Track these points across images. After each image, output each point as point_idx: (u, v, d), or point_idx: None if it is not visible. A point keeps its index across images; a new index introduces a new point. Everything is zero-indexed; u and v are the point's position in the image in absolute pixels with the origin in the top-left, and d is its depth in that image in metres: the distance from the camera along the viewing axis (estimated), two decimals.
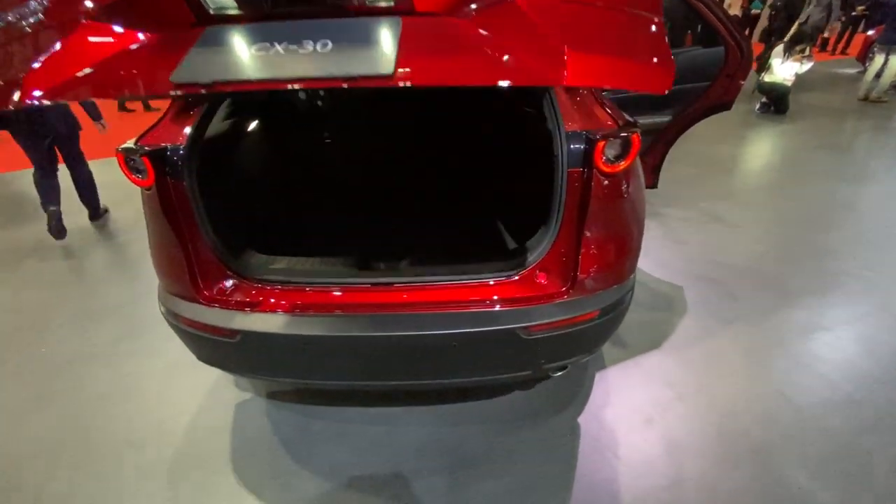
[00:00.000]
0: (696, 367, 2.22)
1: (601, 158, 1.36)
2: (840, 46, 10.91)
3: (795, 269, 2.96)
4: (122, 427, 2.00)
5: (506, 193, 2.34)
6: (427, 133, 2.42)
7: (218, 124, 1.62)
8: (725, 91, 2.64)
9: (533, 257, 1.53)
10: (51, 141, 3.33)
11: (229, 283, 1.60)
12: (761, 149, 5.42)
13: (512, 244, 2.02)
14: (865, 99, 6.85)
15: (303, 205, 2.44)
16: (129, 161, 1.45)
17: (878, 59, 6.59)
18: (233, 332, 1.50)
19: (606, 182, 1.42)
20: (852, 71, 9.00)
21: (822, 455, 1.77)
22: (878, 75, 6.66)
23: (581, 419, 1.97)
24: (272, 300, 1.55)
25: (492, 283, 1.53)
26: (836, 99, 7.26)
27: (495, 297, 1.50)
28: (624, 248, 1.57)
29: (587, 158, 1.39)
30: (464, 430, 1.93)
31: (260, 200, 2.12)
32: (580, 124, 1.43)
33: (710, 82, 2.59)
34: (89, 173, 3.69)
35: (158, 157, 1.46)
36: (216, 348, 1.60)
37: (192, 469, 1.81)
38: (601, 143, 1.34)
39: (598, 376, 2.16)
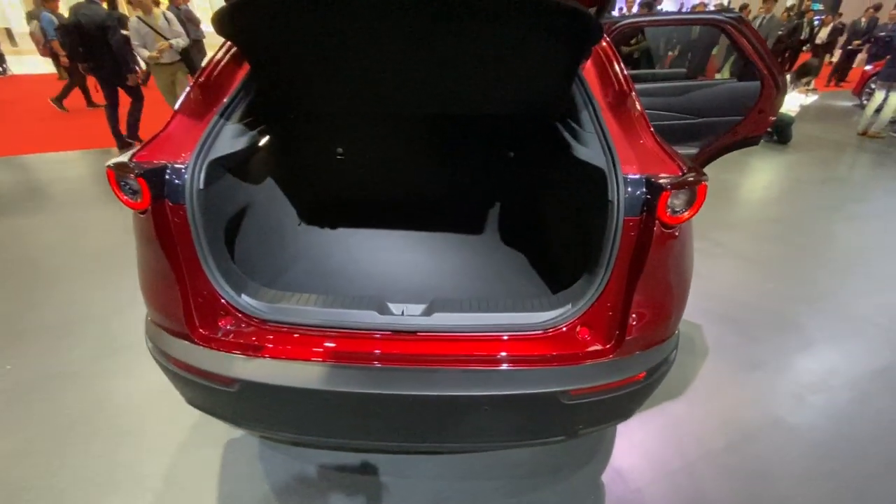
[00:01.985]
0: (721, 416, 2.08)
1: (665, 209, 1.21)
2: (835, 78, 11.11)
3: (812, 310, 2.87)
4: (95, 467, 1.77)
5: (538, 232, 2.17)
6: (452, 155, 2.24)
7: (227, 140, 1.43)
8: (756, 126, 2.54)
9: (576, 310, 1.37)
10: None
11: (229, 322, 1.40)
12: (767, 178, 5.39)
13: (543, 288, 1.85)
14: (864, 133, 6.91)
15: (316, 235, 2.25)
16: (120, 180, 1.25)
17: (879, 95, 6.66)
18: (231, 381, 1.31)
19: (666, 233, 1.27)
20: (848, 104, 9.13)
21: None
22: (878, 110, 6.72)
23: (605, 477, 1.81)
24: (278, 345, 1.36)
25: (529, 336, 1.36)
26: (836, 132, 7.33)
27: (534, 354, 1.34)
28: (675, 302, 1.43)
29: (649, 208, 1.24)
30: (477, 486, 1.76)
31: (269, 229, 1.92)
32: (639, 167, 1.28)
33: (740, 116, 2.49)
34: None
35: (156, 178, 1.27)
36: (210, 396, 1.40)
37: None
38: (666, 193, 1.19)
39: (619, 427, 2.01)
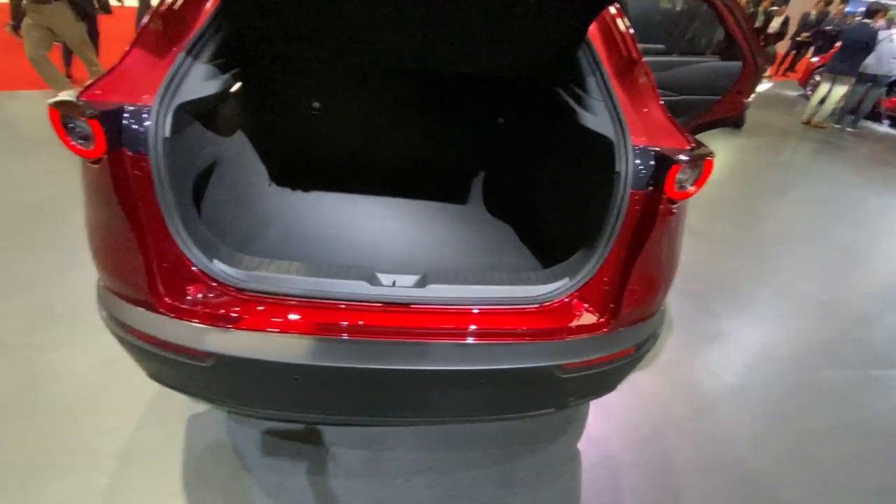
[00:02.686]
0: (686, 388, 2.19)
1: (673, 183, 1.19)
2: (783, 68, 11.68)
3: (761, 287, 3.06)
4: (35, 448, 1.60)
5: (527, 202, 2.10)
6: (437, 118, 2.10)
7: (197, 82, 1.24)
8: (731, 107, 2.59)
9: (573, 283, 1.34)
10: None
11: (200, 290, 1.26)
12: (719, 160, 5.62)
13: (532, 261, 1.81)
14: (808, 123, 7.35)
15: (288, 197, 2.07)
16: (67, 122, 1.06)
17: (823, 87, 7.06)
18: (204, 355, 1.19)
19: (670, 208, 1.25)
20: (794, 93, 9.66)
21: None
22: (822, 101, 7.15)
23: (580, 445, 1.86)
24: (259, 316, 1.24)
25: (526, 310, 1.32)
26: (782, 119, 7.75)
27: (530, 328, 1.31)
28: (667, 276, 1.43)
29: (656, 181, 1.21)
30: (456, 455, 1.75)
31: (238, 187, 1.74)
32: (649, 138, 1.25)
33: (718, 96, 2.52)
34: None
35: (113, 121, 1.08)
36: (178, 371, 1.27)
37: (132, 501, 1.48)
38: (676, 167, 1.17)
39: None
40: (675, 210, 1.27)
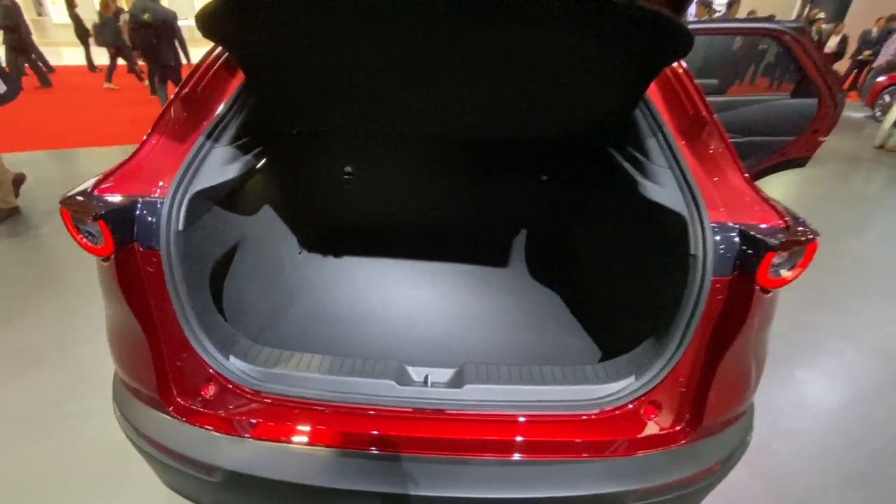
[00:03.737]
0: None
1: (768, 270, 0.96)
2: (850, 88, 10.95)
3: (846, 340, 2.63)
4: None
5: (576, 270, 1.87)
6: (475, 177, 1.93)
7: (216, 167, 1.16)
8: (807, 147, 2.30)
9: (641, 384, 1.12)
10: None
11: (213, 390, 1.14)
12: (783, 194, 5.16)
13: (586, 341, 1.59)
14: (881, 147, 6.72)
15: (319, 266, 1.97)
16: (76, 220, 0.99)
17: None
18: (211, 469, 1.05)
19: (763, 298, 1.02)
20: (860, 115, 8.96)
21: None
22: None
23: None
24: (272, 423, 1.10)
25: (584, 417, 1.11)
26: (850, 145, 7.12)
27: (590, 440, 1.08)
28: (759, 369, 1.18)
29: (745, 266, 0.99)
30: None
31: (264, 262, 1.65)
32: (730, 213, 1.04)
33: (790, 136, 2.25)
34: None
35: (122, 218, 1.00)
36: (188, 481, 1.14)
37: None
38: (771, 254, 0.94)
39: None
40: (768, 298, 1.03)
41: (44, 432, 1.85)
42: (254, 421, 1.11)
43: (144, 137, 1.14)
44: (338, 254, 1.99)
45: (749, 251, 0.98)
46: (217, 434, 1.09)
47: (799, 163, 2.39)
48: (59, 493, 1.61)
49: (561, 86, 1.23)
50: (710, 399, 1.09)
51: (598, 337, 1.54)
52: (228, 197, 1.30)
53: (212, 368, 1.13)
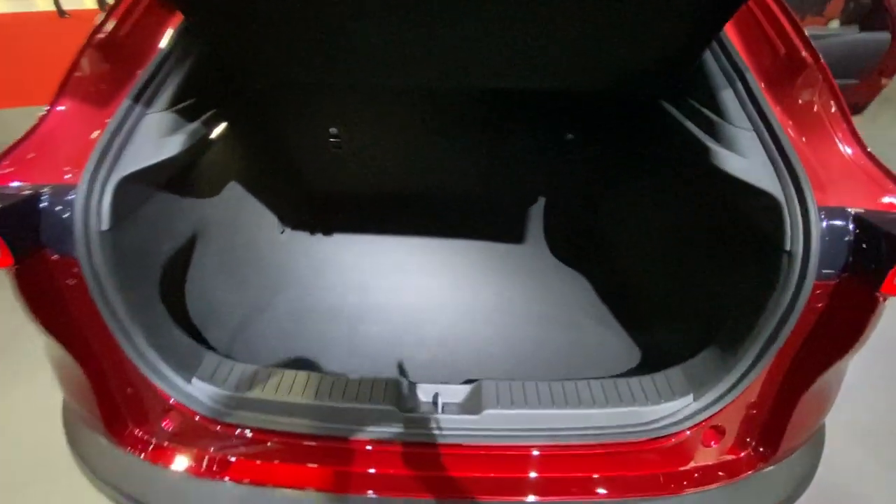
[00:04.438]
0: None
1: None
2: None
3: None
4: None
5: (614, 244, 1.58)
6: (489, 127, 1.51)
7: (151, 140, 0.87)
8: (868, 92, 1.97)
9: (703, 405, 0.90)
10: None
11: (174, 423, 0.93)
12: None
13: (620, 335, 1.34)
14: None
15: (305, 246, 1.69)
16: None
17: None
18: None
19: (878, 307, 0.77)
20: None
21: None
22: None
23: None
24: (247, 461, 0.89)
25: (632, 445, 0.90)
26: None
27: (643, 475, 0.88)
28: (836, 391, 0.96)
29: (859, 266, 0.74)
30: None
31: (237, 249, 1.39)
32: (843, 194, 0.77)
33: (854, 80, 1.91)
34: None
35: (22, 218, 0.74)
36: None
37: None
38: None
39: None
40: (878, 308, 0.78)
41: None
42: (224, 459, 0.90)
43: (51, 101, 0.84)
44: (327, 230, 1.72)
45: (870, 247, 0.73)
46: (179, 474, 0.89)
47: (853, 111, 2.07)
48: None
49: (601, 20, 0.92)
50: (790, 424, 0.88)
51: (635, 333, 1.31)
52: (176, 178, 1.02)
53: (171, 397, 0.91)
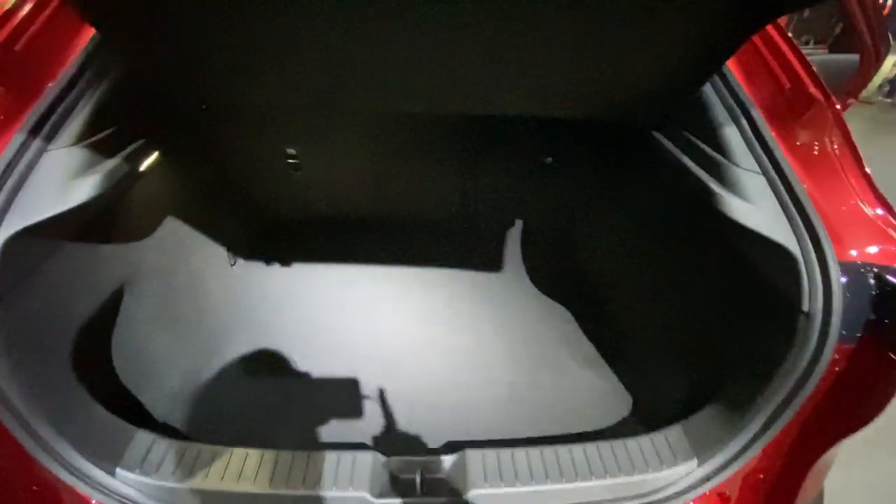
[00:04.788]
0: None
1: None
2: None
3: None
4: None
5: (596, 273, 1.48)
6: (460, 148, 1.39)
7: (54, 183, 0.70)
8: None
9: (708, 471, 0.82)
10: None
11: None
12: None
13: (617, 395, 1.22)
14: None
15: (273, 271, 1.52)
16: None
17: None
18: None
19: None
20: None
21: None
22: None
23: None
24: None
25: None
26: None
27: None
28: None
29: (881, 327, 0.67)
30: None
31: (175, 295, 1.19)
32: (862, 247, 0.70)
33: None
34: None
35: None
36: None
37: None
38: None
39: None
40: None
41: None
42: None
43: None
44: (285, 261, 1.55)
45: (893, 306, 0.66)
46: None
47: None
48: None
49: (590, 46, 0.82)
50: (801, 490, 0.81)
51: (626, 378, 1.22)
52: (93, 224, 0.84)
53: (90, 498, 0.74)
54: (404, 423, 1.08)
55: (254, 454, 0.83)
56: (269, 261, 1.54)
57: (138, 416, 0.99)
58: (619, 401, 1.17)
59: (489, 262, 1.58)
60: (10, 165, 0.67)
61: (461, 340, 1.33)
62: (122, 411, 0.88)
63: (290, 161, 1.45)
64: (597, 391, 1.19)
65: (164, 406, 1.06)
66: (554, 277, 1.52)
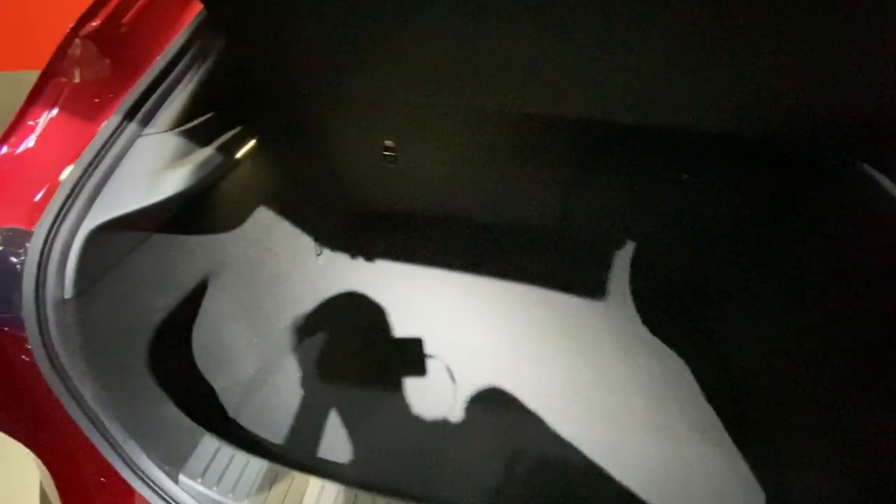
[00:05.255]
0: None
1: None
2: None
3: None
4: None
5: (739, 352, 1.16)
6: (579, 153, 1.21)
7: (141, 175, 0.65)
8: None
9: None
10: None
11: None
12: None
13: (746, 487, 0.96)
14: None
15: (357, 266, 1.45)
16: None
17: None
18: None
19: None
20: None
21: None
22: None
23: None
24: None
25: None
26: None
27: None
28: None
29: None
30: None
31: (267, 283, 1.18)
32: None
33: None
34: None
35: None
36: None
37: None
38: None
39: None
40: None
41: None
42: None
43: (17, 115, 0.64)
44: (369, 255, 1.48)
45: None
46: None
47: None
48: None
49: (774, 41, 0.59)
50: None
51: (752, 461, 0.96)
52: (180, 214, 0.80)
53: (151, 500, 0.70)
54: (475, 469, 0.94)
55: (315, 484, 0.75)
56: (353, 254, 1.47)
57: (209, 408, 0.96)
58: (743, 486, 0.93)
59: (590, 288, 1.37)
60: (103, 150, 0.62)
61: (552, 379, 1.14)
62: (194, 403, 0.85)
63: (386, 153, 1.36)
64: (714, 470, 0.96)
65: (235, 398, 1.03)
66: (671, 320, 1.26)
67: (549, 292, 1.36)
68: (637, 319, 1.29)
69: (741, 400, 1.06)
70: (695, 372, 1.14)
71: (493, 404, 1.09)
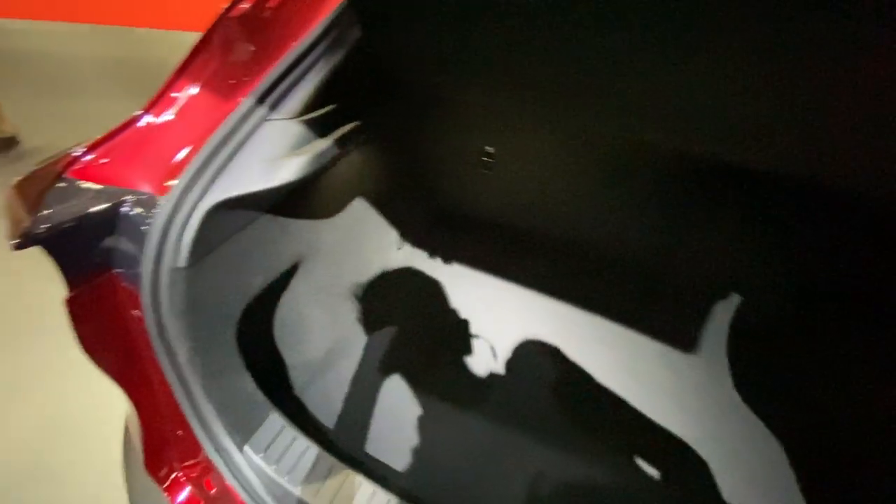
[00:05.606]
0: None
1: None
2: None
3: None
4: None
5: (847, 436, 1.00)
6: (684, 183, 1.12)
7: (263, 158, 0.67)
8: None
9: None
10: None
11: (216, 490, 0.76)
12: None
13: None
14: None
15: (434, 265, 1.43)
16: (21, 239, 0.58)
17: None
18: None
19: None
20: None
21: None
22: None
23: None
24: None
25: None
26: None
27: None
28: None
29: None
30: None
31: (338, 294, 1.20)
32: None
33: None
34: None
35: (80, 238, 0.58)
36: None
37: None
38: None
39: None
40: None
41: None
42: None
43: (164, 85, 0.67)
44: (447, 257, 1.46)
45: None
46: None
47: None
48: None
49: None
50: None
51: None
52: (290, 200, 0.82)
53: (216, 464, 0.74)
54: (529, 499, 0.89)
55: (366, 490, 0.75)
56: (432, 253, 1.46)
57: (279, 383, 1.00)
58: None
59: (680, 338, 1.24)
60: (234, 131, 0.64)
61: (633, 436, 1.04)
62: (268, 377, 0.88)
63: (484, 158, 1.33)
64: None
65: (304, 377, 1.06)
66: (774, 392, 1.10)
67: (634, 334, 1.25)
68: (730, 384, 1.15)
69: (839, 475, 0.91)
70: (789, 452, 1.00)
71: (552, 438, 1.03)
